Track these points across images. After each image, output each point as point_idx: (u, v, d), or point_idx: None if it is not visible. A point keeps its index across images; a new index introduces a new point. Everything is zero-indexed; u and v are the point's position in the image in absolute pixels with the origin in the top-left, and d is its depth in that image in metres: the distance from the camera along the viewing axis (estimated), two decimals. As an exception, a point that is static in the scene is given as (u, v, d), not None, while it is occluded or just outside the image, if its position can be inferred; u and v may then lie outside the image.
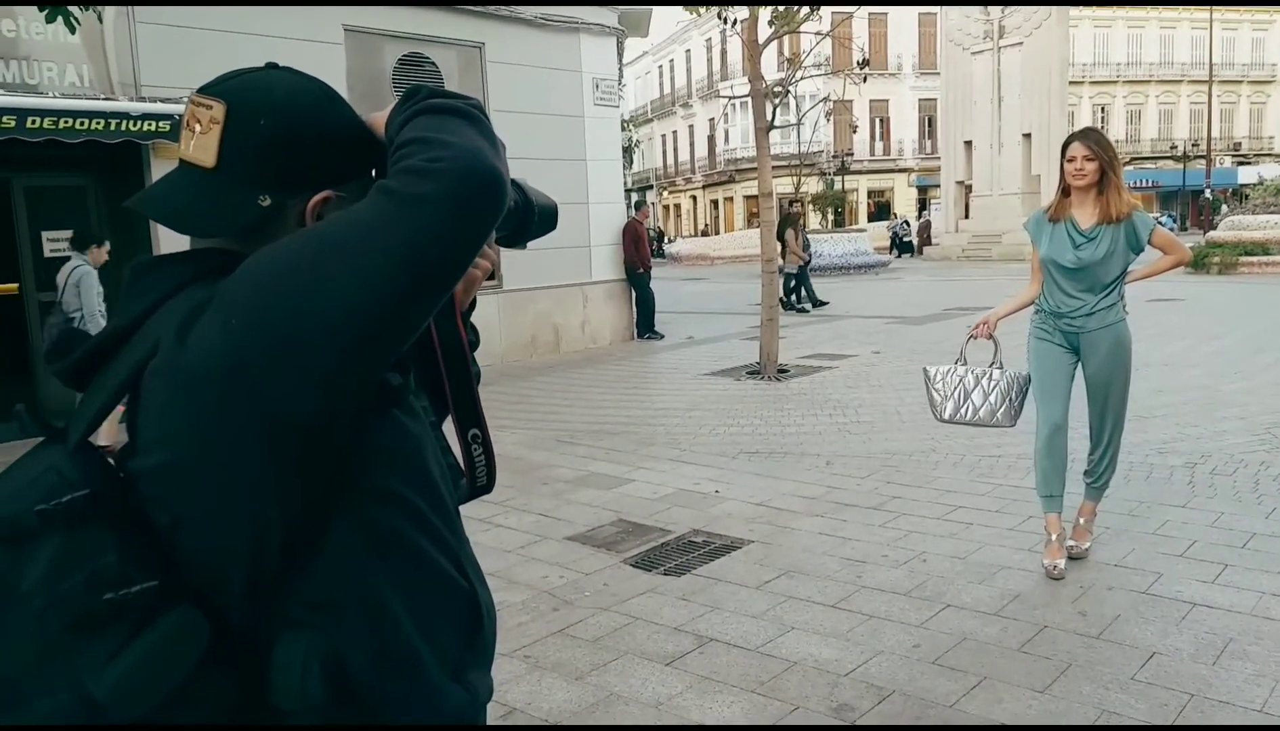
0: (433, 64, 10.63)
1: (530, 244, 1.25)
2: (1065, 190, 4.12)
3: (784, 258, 16.42)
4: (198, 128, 1.03)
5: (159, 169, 8.52)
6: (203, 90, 1.04)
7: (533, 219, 1.18)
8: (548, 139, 11.74)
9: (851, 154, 42.91)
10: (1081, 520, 4.35)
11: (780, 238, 16.90)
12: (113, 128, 7.95)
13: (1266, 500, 4.94)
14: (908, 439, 6.72)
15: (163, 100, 8.32)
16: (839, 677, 3.25)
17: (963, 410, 4.23)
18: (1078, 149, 4.01)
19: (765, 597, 4.00)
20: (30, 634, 0.88)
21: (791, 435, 7.06)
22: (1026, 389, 4.15)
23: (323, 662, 0.98)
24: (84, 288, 6.94)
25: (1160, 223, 4.59)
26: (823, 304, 16.47)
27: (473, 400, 1.22)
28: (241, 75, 1.07)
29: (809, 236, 18.78)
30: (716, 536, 4.83)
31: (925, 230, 37.42)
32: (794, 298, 16.61)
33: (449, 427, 1.25)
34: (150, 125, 8.12)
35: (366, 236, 0.90)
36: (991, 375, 4.15)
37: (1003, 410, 4.14)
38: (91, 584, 0.88)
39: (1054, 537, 4.16)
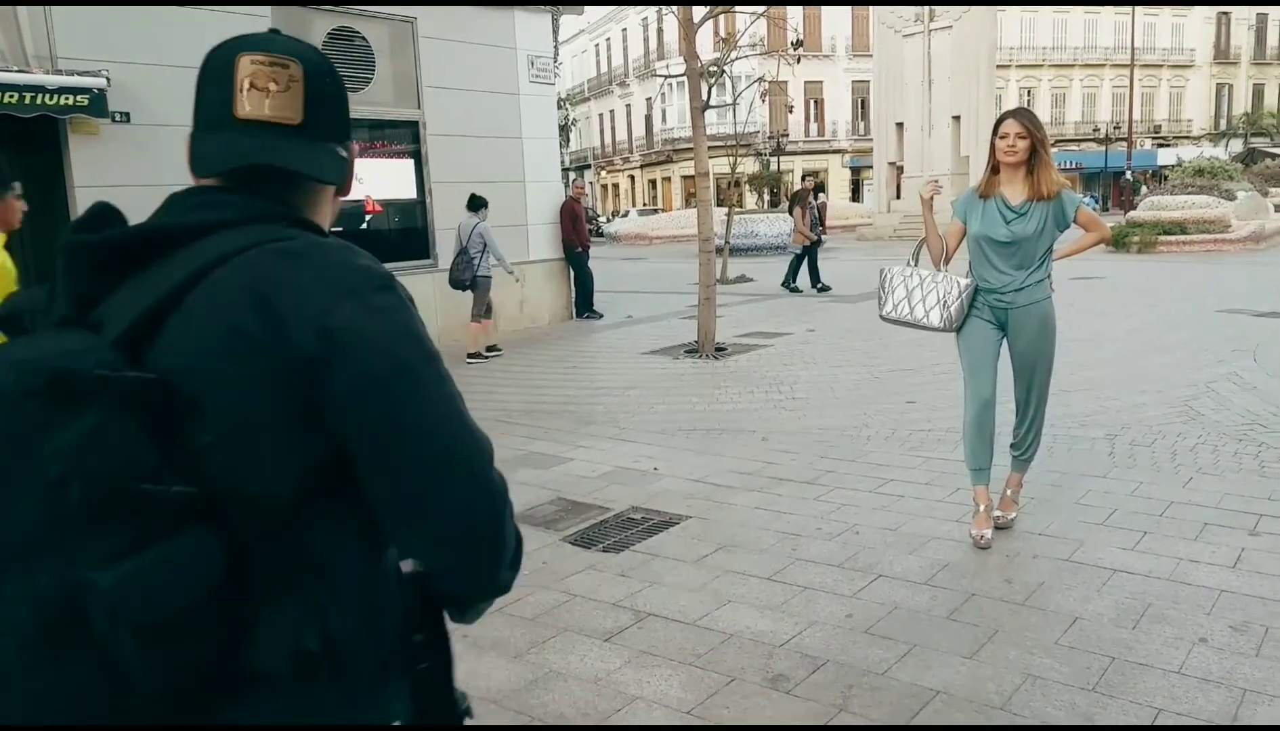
0: (363, 39, 10.39)
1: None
2: (994, 168, 4.20)
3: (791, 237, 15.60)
4: (273, 86, 1.05)
5: (77, 144, 8.20)
6: (266, 50, 1.06)
7: None
8: (483, 116, 11.59)
9: (786, 135, 43.21)
10: (1008, 491, 4.48)
11: (792, 214, 15.96)
12: (28, 101, 7.63)
13: (1183, 470, 5.13)
14: (841, 415, 6.82)
15: (80, 73, 8.00)
16: (774, 648, 3.30)
17: (900, 308, 4.35)
18: (1011, 126, 4.09)
19: (702, 572, 4.04)
20: (36, 499, 0.84)
21: (729, 412, 7.12)
22: (966, 296, 4.22)
23: (317, 625, 0.98)
24: (489, 237, 9.76)
25: (1084, 203, 4.71)
26: (826, 288, 15.44)
27: None
28: (280, 38, 1.10)
29: (817, 212, 16.62)
30: (655, 513, 4.85)
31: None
32: (794, 279, 15.74)
33: None
34: (68, 99, 7.80)
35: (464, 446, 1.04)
36: (935, 279, 4.27)
37: (943, 312, 4.26)
38: (127, 468, 0.86)
39: (982, 508, 4.27)
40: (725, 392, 7.86)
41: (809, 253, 15.81)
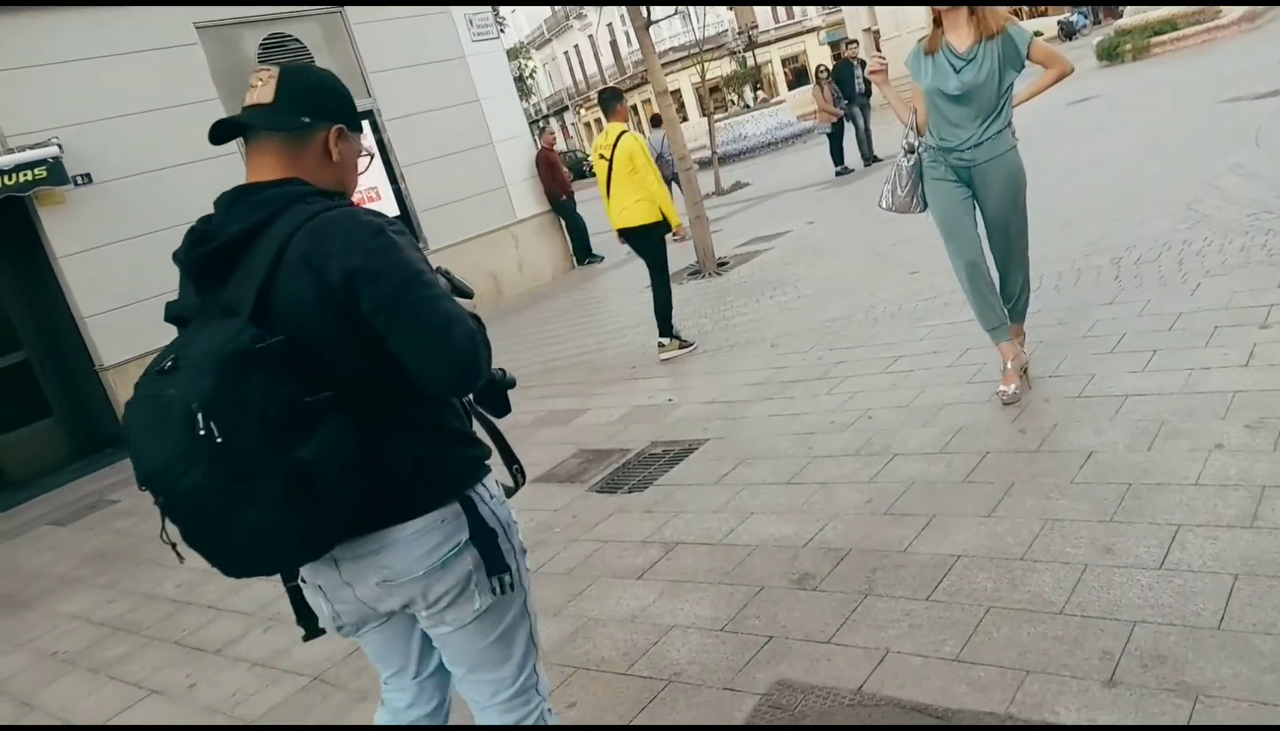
0: (297, 40, 10.24)
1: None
2: (937, 20, 4.09)
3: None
4: (258, 85, 1.66)
5: (47, 216, 8.26)
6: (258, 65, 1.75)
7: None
8: (434, 87, 11.44)
9: (756, 27, 42.15)
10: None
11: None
12: (-11, 187, 7.67)
13: (1190, 278, 5.01)
14: (847, 302, 6.77)
15: (32, 146, 8.01)
16: (798, 549, 3.34)
17: (886, 199, 4.32)
18: None
19: (724, 491, 4.08)
20: (260, 427, 1.42)
21: (737, 326, 7.10)
22: (905, 173, 4.22)
23: (426, 430, 1.73)
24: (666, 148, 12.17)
25: (1071, 21, 4.50)
26: (877, 160, 14.69)
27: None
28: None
29: (856, 76, 14.90)
30: (674, 443, 4.88)
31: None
32: (840, 159, 14.91)
33: None
34: (26, 175, 7.83)
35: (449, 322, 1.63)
36: (900, 155, 4.24)
37: (891, 196, 4.26)
38: (297, 393, 1.47)
39: (1009, 364, 4.18)
40: (731, 307, 7.83)
41: (836, 130, 14.97)
